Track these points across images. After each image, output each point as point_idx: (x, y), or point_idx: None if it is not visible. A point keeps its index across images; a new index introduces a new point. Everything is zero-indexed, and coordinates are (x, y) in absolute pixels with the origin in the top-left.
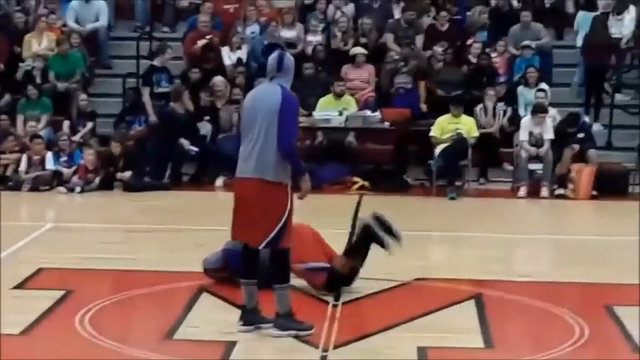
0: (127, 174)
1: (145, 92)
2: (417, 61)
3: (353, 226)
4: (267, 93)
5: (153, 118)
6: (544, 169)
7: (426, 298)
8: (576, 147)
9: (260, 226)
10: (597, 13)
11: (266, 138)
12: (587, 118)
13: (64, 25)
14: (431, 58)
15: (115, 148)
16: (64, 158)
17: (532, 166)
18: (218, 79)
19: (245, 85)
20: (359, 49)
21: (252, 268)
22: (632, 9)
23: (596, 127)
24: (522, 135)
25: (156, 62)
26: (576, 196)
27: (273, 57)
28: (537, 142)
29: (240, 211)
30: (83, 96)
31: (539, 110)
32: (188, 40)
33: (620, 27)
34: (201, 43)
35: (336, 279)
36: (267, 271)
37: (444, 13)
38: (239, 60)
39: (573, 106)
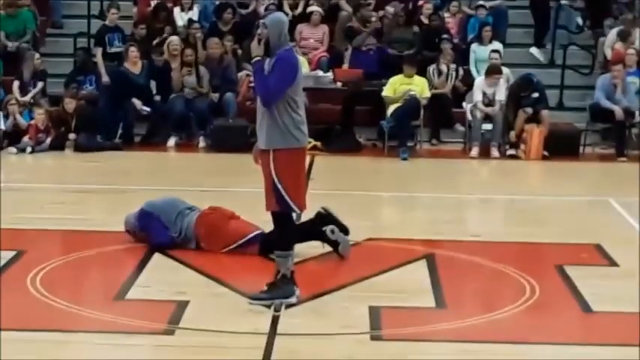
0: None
1: (98, 52)
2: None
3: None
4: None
5: (106, 78)
6: (494, 130)
7: (377, 258)
8: (529, 111)
9: None
10: None
11: None
12: (537, 54)
13: None
14: (382, 18)
15: (69, 104)
16: None
17: (484, 127)
18: (174, 38)
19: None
20: (316, 8)
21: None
22: None
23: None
24: (476, 95)
25: (108, 22)
26: (527, 157)
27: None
28: (490, 103)
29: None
30: (37, 55)
31: (493, 71)
32: (142, 0)
33: None
34: (153, 3)
35: (270, 242)
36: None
37: None
38: (190, 20)
39: (526, 67)
